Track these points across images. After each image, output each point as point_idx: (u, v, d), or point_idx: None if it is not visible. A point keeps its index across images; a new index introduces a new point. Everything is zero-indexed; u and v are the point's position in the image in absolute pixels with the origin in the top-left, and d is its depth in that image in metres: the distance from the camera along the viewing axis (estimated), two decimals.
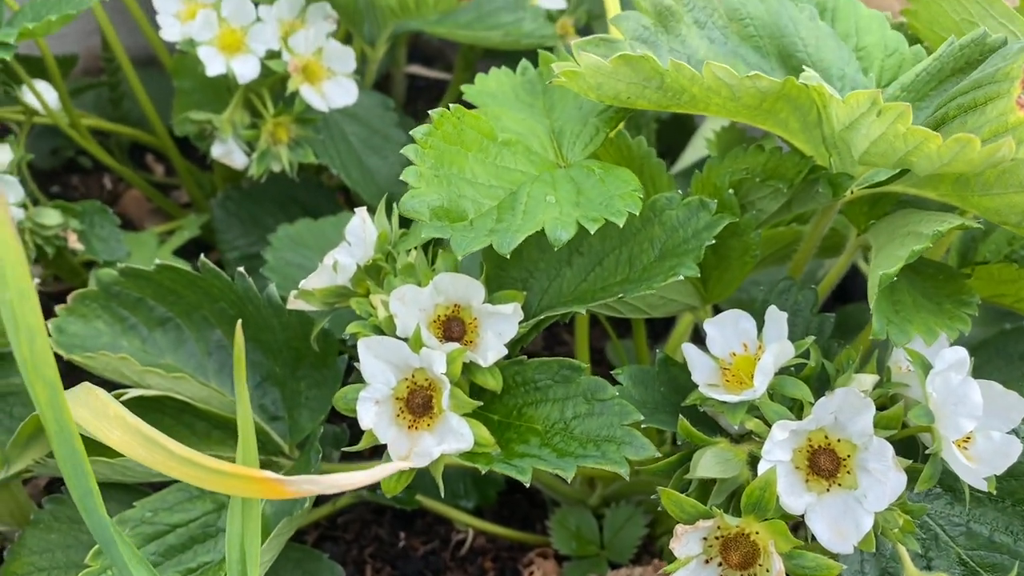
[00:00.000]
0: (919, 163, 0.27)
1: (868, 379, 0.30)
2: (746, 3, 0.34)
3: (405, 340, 0.31)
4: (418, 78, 0.88)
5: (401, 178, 0.28)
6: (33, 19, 0.43)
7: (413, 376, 0.31)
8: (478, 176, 0.30)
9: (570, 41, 0.70)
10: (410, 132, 0.29)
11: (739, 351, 0.31)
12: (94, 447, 0.30)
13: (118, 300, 0.41)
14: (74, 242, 0.52)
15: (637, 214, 0.29)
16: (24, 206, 0.51)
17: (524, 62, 0.39)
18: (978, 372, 0.53)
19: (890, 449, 0.27)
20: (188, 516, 0.37)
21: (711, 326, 0.32)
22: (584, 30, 0.70)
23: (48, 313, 0.44)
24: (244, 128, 0.51)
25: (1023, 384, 0.52)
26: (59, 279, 0.59)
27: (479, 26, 0.57)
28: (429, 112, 0.30)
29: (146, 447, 0.25)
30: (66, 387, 0.30)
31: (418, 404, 0.31)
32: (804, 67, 0.34)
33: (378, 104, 0.57)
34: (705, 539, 0.28)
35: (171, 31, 0.49)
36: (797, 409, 0.30)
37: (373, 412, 0.30)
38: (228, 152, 0.52)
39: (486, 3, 0.59)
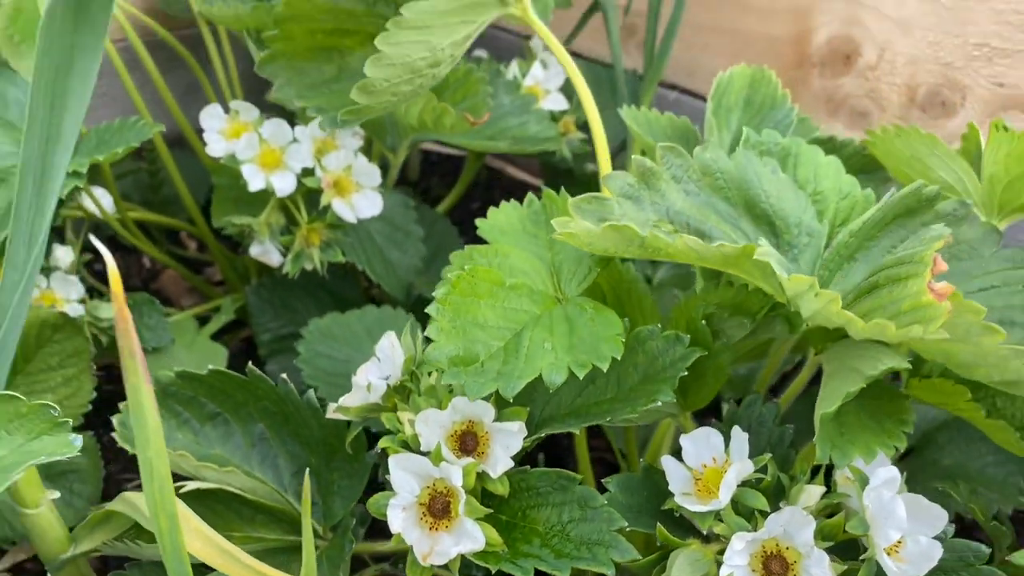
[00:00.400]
0: (851, 332, 0.32)
1: (816, 490, 0.35)
2: (717, 160, 0.40)
3: (427, 454, 0.37)
4: (432, 153, 0.95)
5: (425, 334, 0.35)
6: (99, 150, 0.50)
7: (434, 484, 0.37)
8: (488, 320, 0.36)
9: (571, 135, 0.76)
10: (432, 293, 0.35)
11: (709, 463, 0.37)
12: None
13: (174, 398, 0.47)
14: None
15: (619, 358, 0.35)
16: (83, 301, 0.57)
17: (530, 196, 0.45)
18: (941, 451, 0.58)
19: (826, 558, 0.33)
20: None
21: (686, 441, 0.37)
22: (584, 126, 0.77)
23: (111, 404, 0.50)
24: (280, 230, 0.58)
25: (982, 462, 0.57)
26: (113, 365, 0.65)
27: (488, 133, 0.63)
28: (445, 272, 0.36)
29: (222, 557, 0.31)
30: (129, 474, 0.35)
31: (438, 509, 0.36)
32: (768, 215, 0.40)
33: (399, 203, 0.63)
34: None
35: (216, 147, 0.55)
36: (757, 516, 0.36)
37: (401, 518, 0.36)
38: (265, 252, 0.58)
39: (495, 108, 0.66)
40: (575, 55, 0.62)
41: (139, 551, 0.42)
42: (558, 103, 0.71)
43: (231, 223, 0.58)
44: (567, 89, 0.74)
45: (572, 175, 0.74)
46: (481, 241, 0.42)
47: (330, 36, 0.50)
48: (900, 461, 0.55)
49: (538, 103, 0.69)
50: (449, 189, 0.82)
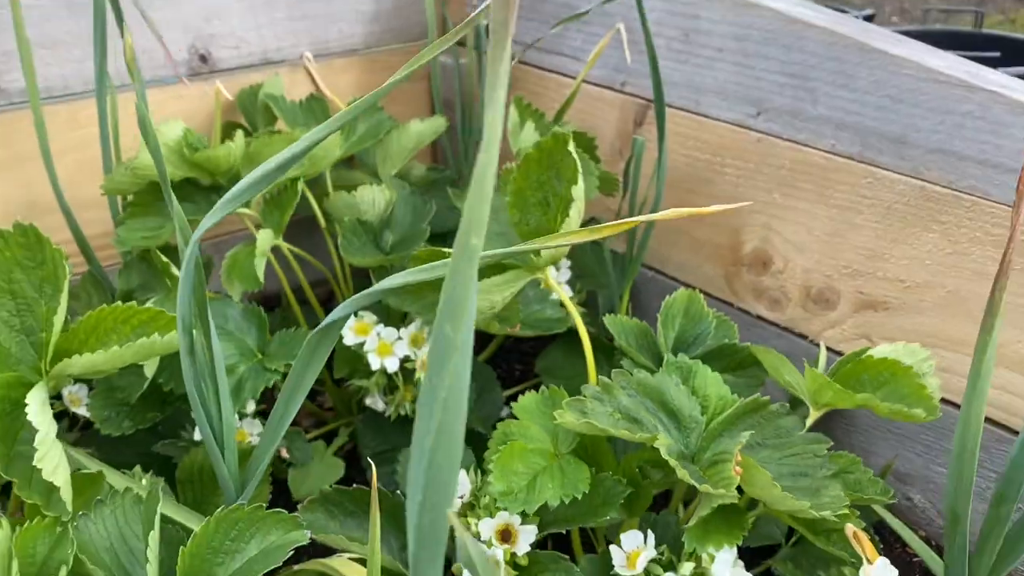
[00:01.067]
0: (700, 488, 0.64)
1: (689, 565, 0.66)
2: (646, 378, 0.72)
3: (484, 542, 0.68)
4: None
5: (486, 476, 0.67)
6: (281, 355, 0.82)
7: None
8: (518, 469, 0.68)
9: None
10: (485, 455, 0.67)
11: (636, 549, 0.68)
12: None
13: (330, 501, 0.79)
14: (284, 453, 0.91)
15: (587, 492, 0.67)
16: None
17: (542, 389, 0.77)
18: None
19: None
20: None
21: (624, 537, 0.69)
22: (584, 303, 1.09)
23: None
24: (384, 389, 0.90)
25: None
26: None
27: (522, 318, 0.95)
28: (493, 442, 0.69)
29: None
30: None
31: None
32: (674, 411, 0.72)
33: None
34: None
35: (349, 339, 0.88)
36: None
37: None
38: (375, 402, 0.90)
39: (523, 301, 0.98)
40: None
41: None
42: (568, 292, 1.04)
43: (354, 383, 0.90)
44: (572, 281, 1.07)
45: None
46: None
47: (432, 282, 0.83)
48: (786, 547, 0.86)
49: (551, 294, 1.01)
50: (482, 348, 1.15)
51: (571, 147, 0.75)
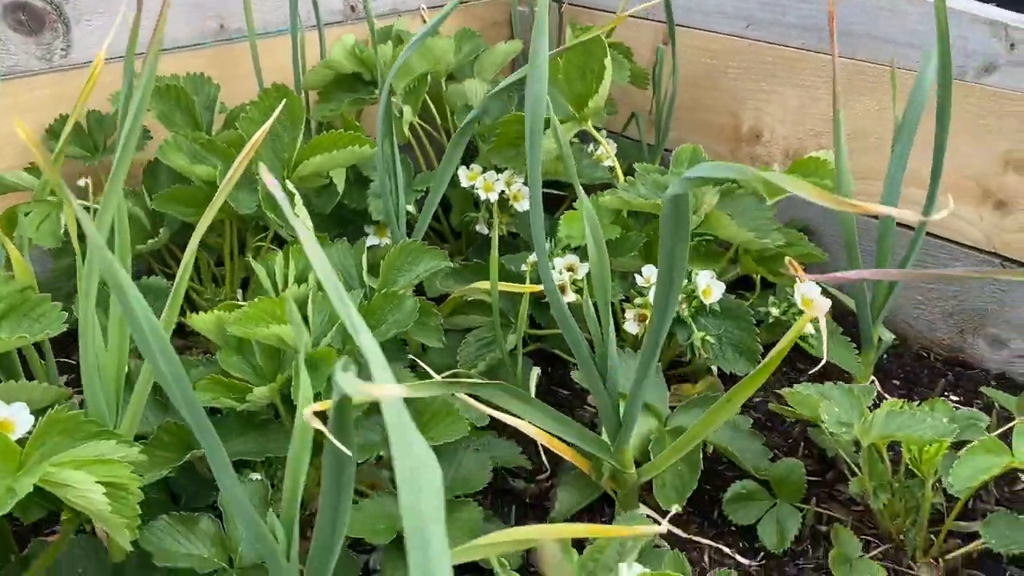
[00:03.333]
0: None
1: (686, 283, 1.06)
2: (657, 178, 1.12)
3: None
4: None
5: (558, 232, 1.08)
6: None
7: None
8: (575, 226, 1.09)
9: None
10: (557, 219, 1.08)
11: None
12: None
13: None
14: None
15: (618, 237, 1.07)
16: None
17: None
18: None
19: None
20: None
21: (645, 268, 1.09)
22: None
23: None
24: (487, 219, 1.32)
25: None
26: None
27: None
28: (560, 216, 1.10)
29: None
30: None
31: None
32: None
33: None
34: None
35: (464, 181, 1.30)
36: None
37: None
38: (482, 227, 1.32)
39: (580, 166, 1.39)
40: (623, 137, 1.37)
41: None
42: (611, 162, 1.45)
43: (467, 215, 1.32)
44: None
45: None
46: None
47: (515, 139, 1.24)
48: None
49: (602, 162, 1.42)
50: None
51: (603, 41, 1.15)
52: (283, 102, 1.06)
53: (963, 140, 1.15)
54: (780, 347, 0.73)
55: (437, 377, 0.81)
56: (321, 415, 0.49)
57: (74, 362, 1.19)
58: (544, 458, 1.07)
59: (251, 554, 0.83)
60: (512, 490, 1.04)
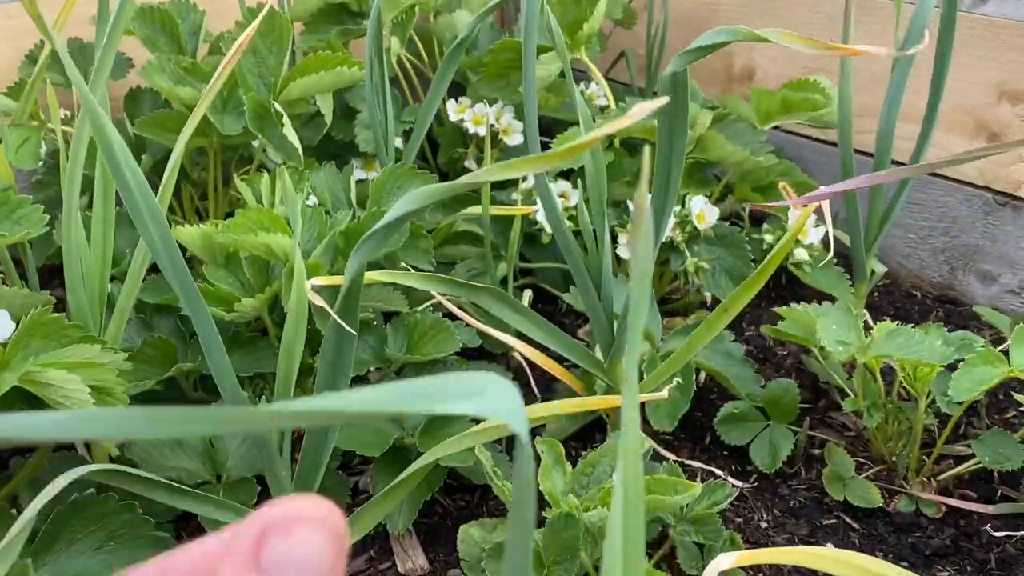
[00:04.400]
0: None
1: (678, 208, 1.05)
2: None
3: None
4: None
5: None
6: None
7: None
8: None
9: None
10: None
11: None
12: None
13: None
14: None
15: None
16: None
17: None
18: None
19: None
20: None
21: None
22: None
23: None
24: (477, 156, 1.30)
25: None
26: None
27: (569, 113, 1.34)
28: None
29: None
30: None
31: None
32: None
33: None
34: None
35: (453, 115, 1.28)
36: None
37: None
38: (471, 164, 1.30)
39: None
40: (613, 81, 1.35)
41: None
42: (603, 101, 1.43)
43: (455, 152, 1.30)
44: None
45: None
46: None
47: (506, 68, 1.22)
48: None
49: (594, 102, 1.40)
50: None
51: None
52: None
53: (957, 72, 1.14)
54: (783, 242, 0.72)
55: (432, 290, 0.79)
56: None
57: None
58: (535, 387, 1.06)
59: (239, 468, 0.82)
60: None
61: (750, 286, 0.77)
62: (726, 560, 0.45)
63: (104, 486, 0.75)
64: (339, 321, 0.48)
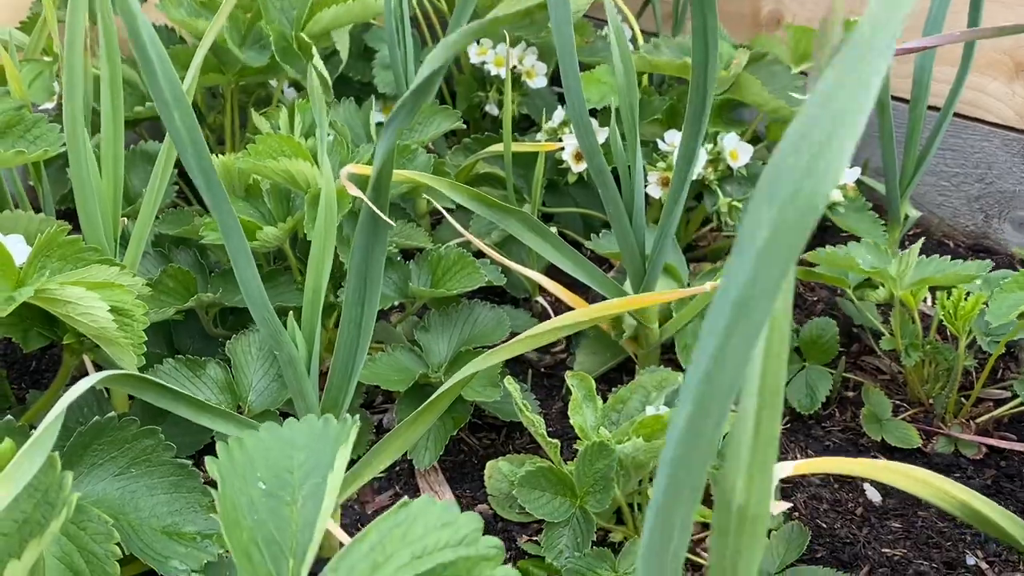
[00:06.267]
0: None
1: (710, 147, 1.02)
2: (682, 42, 1.08)
3: None
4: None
5: None
6: None
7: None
8: (598, 88, 1.05)
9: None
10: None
11: None
12: None
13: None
14: None
15: (641, 99, 1.03)
16: None
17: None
18: None
19: None
20: None
21: (667, 134, 1.05)
22: None
23: None
24: (497, 100, 1.27)
25: None
26: None
27: (592, 56, 1.31)
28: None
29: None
30: None
31: None
32: None
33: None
34: None
35: (474, 57, 1.25)
36: None
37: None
38: (491, 108, 1.27)
39: (597, 48, 1.34)
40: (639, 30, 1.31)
41: None
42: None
43: (475, 97, 1.27)
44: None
45: None
46: None
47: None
48: None
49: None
50: None
51: None
52: None
53: (994, 9, 1.10)
54: None
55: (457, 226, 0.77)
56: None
57: None
58: None
59: (261, 401, 0.80)
60: (527, 360, 1.01)
61: None
62: (785, 468, 0.43)
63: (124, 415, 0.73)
64: (372, 206, 0.45)
